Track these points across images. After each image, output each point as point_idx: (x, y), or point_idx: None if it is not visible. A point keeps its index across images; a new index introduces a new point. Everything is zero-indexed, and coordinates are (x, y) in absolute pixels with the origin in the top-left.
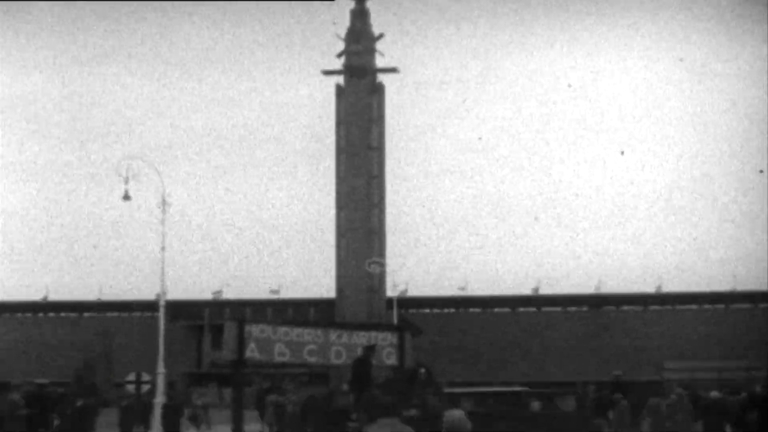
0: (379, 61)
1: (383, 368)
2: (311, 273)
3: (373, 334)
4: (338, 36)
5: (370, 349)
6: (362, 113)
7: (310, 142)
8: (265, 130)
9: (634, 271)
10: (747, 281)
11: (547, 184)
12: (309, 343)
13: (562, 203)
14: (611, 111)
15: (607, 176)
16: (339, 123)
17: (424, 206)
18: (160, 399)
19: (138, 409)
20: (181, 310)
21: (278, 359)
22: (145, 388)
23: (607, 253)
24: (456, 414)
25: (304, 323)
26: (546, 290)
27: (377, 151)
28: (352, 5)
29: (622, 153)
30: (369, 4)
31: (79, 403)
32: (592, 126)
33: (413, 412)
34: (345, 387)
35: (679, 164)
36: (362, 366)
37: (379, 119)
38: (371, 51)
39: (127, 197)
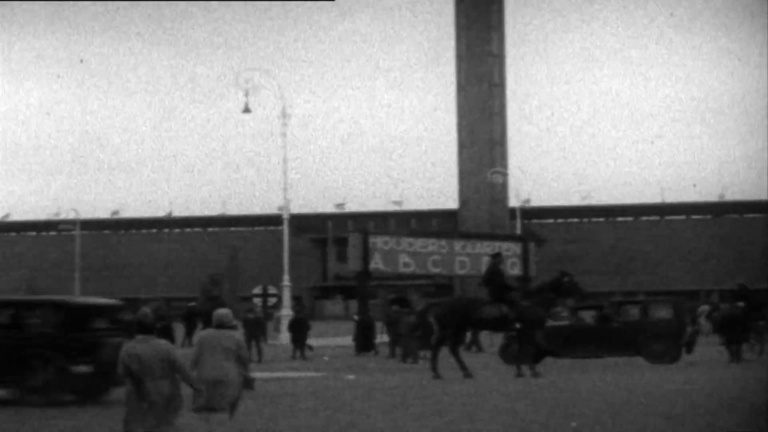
0: None
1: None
2: (433, 183)
3: (497, 244)
4: None
5: (497, 256)
6: (482, 19)
7: (430, 49)
8: (384, 37)
9: (759, 179)
10: None
11: (672, 92)
12: (433, 254)
13: (687, 112)
14: None
15: (736, 87)
16: (459, 30)
17: (546, 114)
18: (286, 312)
19: (264, 323)
20: (305, 224)
21: (403, 270)
22: (271, 301)
23: (731, 161)
24: None
25: (428, 234)
26: (670, 198)
27: (497, 59)
28: None
29: None
30: None
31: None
32: None
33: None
34: (485, 297)
35: None
36: (495, 275)
37: (498, 25)
38: None
39: (247, 110)
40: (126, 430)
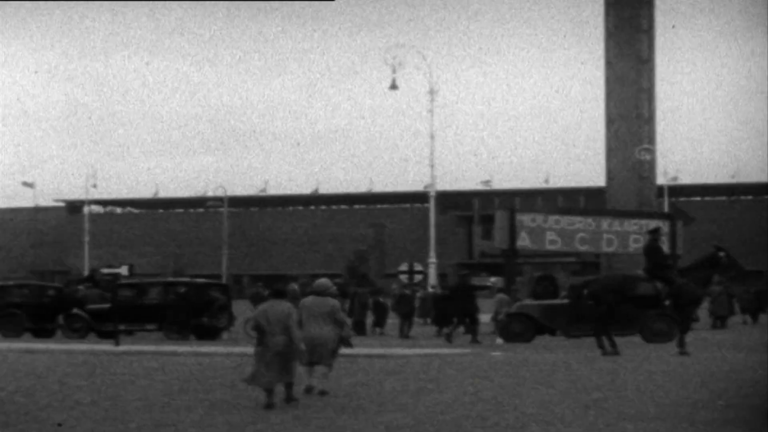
0: None
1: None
2: (580, 161)
3: (644, 222)
4: None
5: (655, 232)
6: None
7: (577, 25)
8: (531, 13)
9: None
10: None
11: None
12: (580, 231)
13: None
14: None
15: None
16: (608, 5)
17: (694, 91)
18: (432, 288)
19: (411, 298)
20: (451, 201)
21: (549, 247)
22: (417, 278)
23: None
24: None
25: (575, 212)
26: None
27: (647, 34)
28: None
29: None
30: None
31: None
32: None
33: None
34: (641, 273)
35: None
36: (653, 251)
37: (648, 0)
38: None
39: (394, 86)
40: (253, 380)
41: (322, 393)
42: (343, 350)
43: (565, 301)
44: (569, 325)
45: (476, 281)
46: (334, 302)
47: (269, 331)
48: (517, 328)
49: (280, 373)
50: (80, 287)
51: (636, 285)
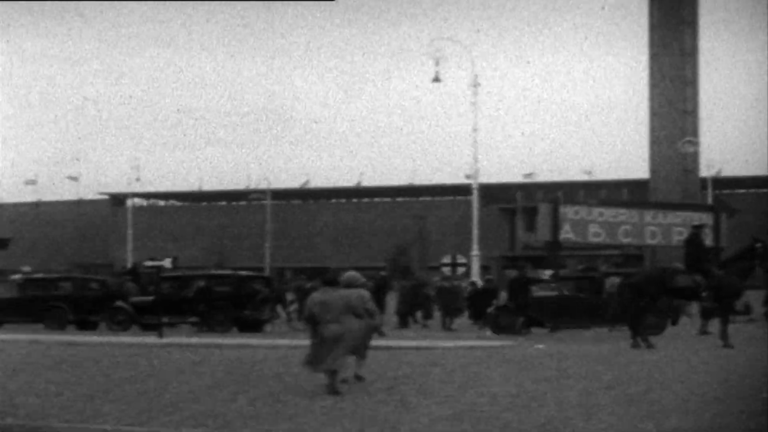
0: None
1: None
2: (623, 153)
3: (688, 214)
4: None
5: (700, 227)
6: None
7: (621, 17)
8: (575, 5)
9: None
10: None
11: None
12: (623, 224)
13: None
14: None
15: None
16: None
17: (738, 83)
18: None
19: (453, 291)
20: (494, 193)
21: (593, 240)
22: (460, 270)
23: None
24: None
25: (618, 204)
26: None
27: (690, 27)
28: None
29: None
30: None
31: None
32: None
33: None
34: (679, 266)
35: None
36: (695, 245)
37: None
38: None
39: (437, 79)
40: (307, 364)
41: (359, 378)
42: (376, 339)
43: (554, 293)
44: (558, 318)
45: (532, 274)
46: (365, 293)
47: (323, 319)
48: (506, 321)
49: (333, 360)
50: (119, 280)
51: (675, 277)
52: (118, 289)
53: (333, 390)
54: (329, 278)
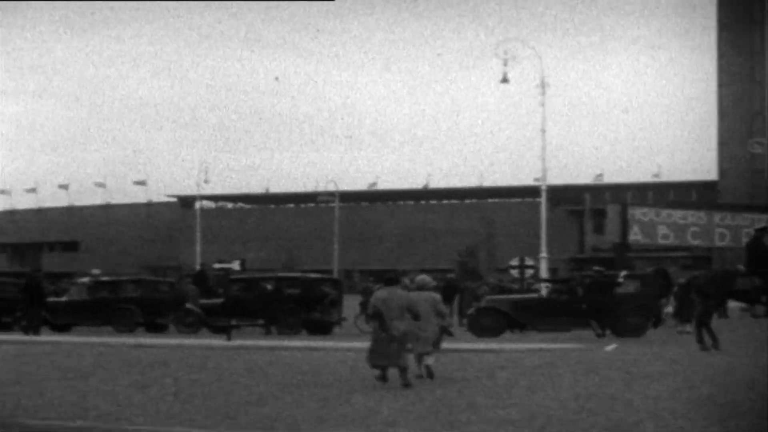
0: None
1: None
2: (692, 154)
3: (757, 216)
4: None
5: (763, 230)
6: None
7: (689, 18)
8: (642, 5)
9: None
10: None
11: None
12: (692, 226)
13: None
14: None
15: None
16: None
17: None
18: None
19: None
20: (562, 195)
21: (661, 242)
22: (529, 272)
23: None
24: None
25: (687, 206)
26: None
27: (760, 27)
28: None
29: None
30: None
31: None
32: None
33: None
34: (741, 268)
35: None
36: (756, 248)
37: None
38: None
39: (505, 80)
40: (370, 359)
41: (430, 374)
42: (446, 340)
43: (535, 295)
44: (539, 320)
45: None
46: (435, 295)
47: (389, 316)
48: (487, 323)
49: (396, 357)
50: (179, 283)
51: (735, 279)
52: (179, 292)
53: (405, 383)
54: (390, 278)
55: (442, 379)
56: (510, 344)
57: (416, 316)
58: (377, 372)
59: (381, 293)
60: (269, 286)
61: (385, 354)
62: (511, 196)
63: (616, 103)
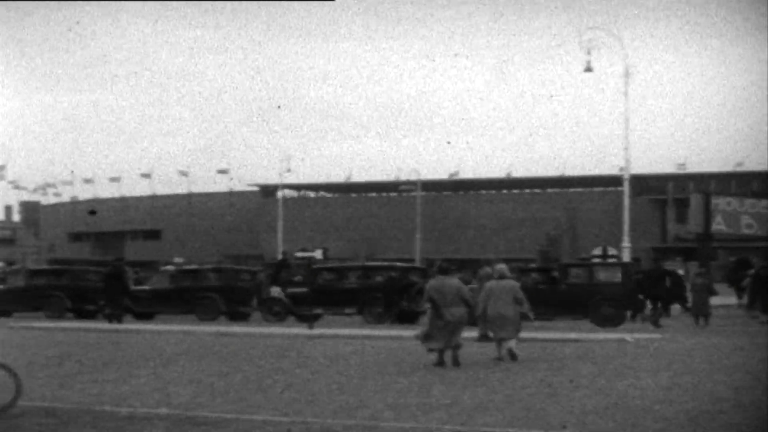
0: None
1: None
2: None
3: None
4: None
5: None
6: None
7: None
8: None
9: None
10: None
11: None
12: None
13: None
14: None
15: None
16: None
17: None
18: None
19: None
20: (645, 184)
21: (745, 231)
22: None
23: None
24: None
25: None
26: None
27: None
28: None
29: None
30: None
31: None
32: None
33: None
34: None
35: None
36: None
37: None
38: None
39: (589, 69)
40: (425, 343)
41: (513, 356)
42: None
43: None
44: (537, 307)
45: (670, 266)
46: (515, 283)
47: (442, 303)
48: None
49: (449, 339)
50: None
51: None
52: (259, 281)
53: (456, 362)
54: (443, 267)
55: (522, 367)
56: (588, 333)
57: (468, 304)
58: (433, 357)
59: (434, 282)
60: (357, 275)
61: (439, 338)
62: (593, 186)
63: (699, 92)
